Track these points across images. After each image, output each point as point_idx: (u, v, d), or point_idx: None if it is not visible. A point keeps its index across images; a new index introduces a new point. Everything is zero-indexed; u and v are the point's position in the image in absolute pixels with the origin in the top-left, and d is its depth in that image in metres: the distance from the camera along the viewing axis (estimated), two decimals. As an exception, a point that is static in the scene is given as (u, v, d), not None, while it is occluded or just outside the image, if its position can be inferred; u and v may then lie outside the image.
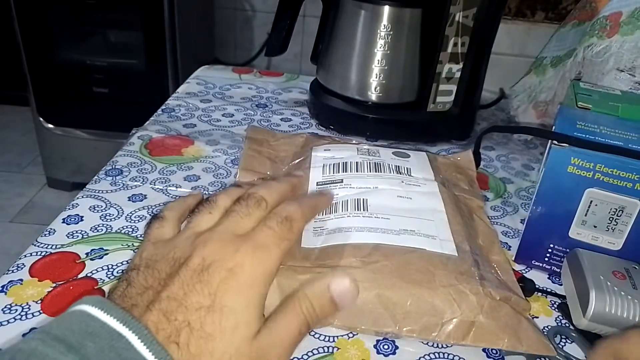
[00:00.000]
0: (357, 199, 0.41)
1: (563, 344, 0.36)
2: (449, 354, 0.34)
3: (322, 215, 0.40)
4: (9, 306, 0.34)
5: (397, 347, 0.34)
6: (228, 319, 0.26)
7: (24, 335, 0.32)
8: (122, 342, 0.23)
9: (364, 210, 0.40)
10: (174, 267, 0.28)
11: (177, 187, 0.49)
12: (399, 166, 0.46)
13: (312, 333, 0.35)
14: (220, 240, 0.29)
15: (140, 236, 0.42)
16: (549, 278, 0.42)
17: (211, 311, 0.26)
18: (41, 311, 0.34)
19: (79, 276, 0.37)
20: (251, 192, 0.33)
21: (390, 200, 0.42)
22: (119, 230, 0.42)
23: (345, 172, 0.45)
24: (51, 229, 0.42)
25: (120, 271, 0.38)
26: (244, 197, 0.33)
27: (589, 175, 0.37)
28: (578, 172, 0.37)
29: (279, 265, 0.31)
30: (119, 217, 0.44)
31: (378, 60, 0.58)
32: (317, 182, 0.44)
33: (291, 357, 0.29)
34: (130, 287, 0.28)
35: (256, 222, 0.31)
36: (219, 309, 0.26)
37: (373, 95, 0.60)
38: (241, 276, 0.27)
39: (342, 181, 0.44)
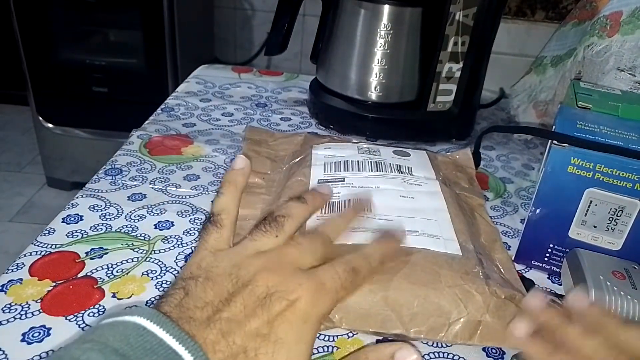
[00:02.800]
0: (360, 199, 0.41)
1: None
2: (448, 353, 0.34)
3: (325, 214, 0.40)
4: (8, 305, 0.34)
5: (397, 347, 0.34)
6: (280, 352, 0.27)
7: (24, 334, 0.32)
8: None
9: (367, 210, 0.40)
10: (236, 286, 0.28)
11: (176, 187, 0.49)
12: (400, 165, 0.46)
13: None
14: (285, 273, 0.29)
15: (141, 235, 0.42)
16: (548, 278, 0.42)
17: (266, 340, 0.27)
18: (41, 310, 0.34)
19: (79, 275, 0.37)
20: (321, 229, 0.34)
21: (393, 200, 0.42)
22: (118, 230, 0.42)
23: (347, 170, 0.45)
24: (51, 228, 0.42)
25: (120, 270, 0.38)
26: (313, 233, 0.34)
27: (589, 175, 0.37)
28: (578, 172, 0.37)
29: (331, 311, 0.31)
30: (118, 217, 0.44)
31: (378, 60, 0.58)
32: (318, 180, 0.44)
33: None
34: (187, 298, 0.27)
35: (318, 260, 0.32)
36: (273, 340, 0.27)
37: (373, 95, 0.60)
38: (298, 310, 0.28)
39: (343, 180, 0.44)
